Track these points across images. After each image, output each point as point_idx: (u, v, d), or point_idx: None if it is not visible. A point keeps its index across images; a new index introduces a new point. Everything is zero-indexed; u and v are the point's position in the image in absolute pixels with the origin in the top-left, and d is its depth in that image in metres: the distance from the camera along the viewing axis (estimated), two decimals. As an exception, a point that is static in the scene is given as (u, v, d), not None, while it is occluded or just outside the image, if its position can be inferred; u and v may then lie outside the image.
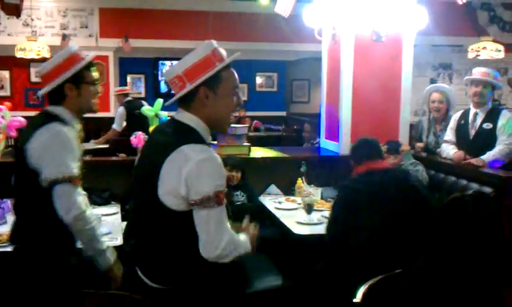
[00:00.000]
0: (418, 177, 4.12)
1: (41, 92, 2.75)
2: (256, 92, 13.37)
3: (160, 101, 6.14)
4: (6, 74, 10.91)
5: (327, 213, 3.99)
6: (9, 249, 2.83)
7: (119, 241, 3.29)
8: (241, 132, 5.05)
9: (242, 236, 2.32)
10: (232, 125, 4.67)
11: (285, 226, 3.78)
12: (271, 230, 4.25)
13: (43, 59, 8.90)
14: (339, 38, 5.10)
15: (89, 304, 2.11)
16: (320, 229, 3.70)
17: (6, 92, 10.86)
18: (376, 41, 4.94)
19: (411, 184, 3.31)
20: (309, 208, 3.88)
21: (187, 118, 2.21)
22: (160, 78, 12.46)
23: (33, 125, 2.60)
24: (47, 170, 2.48)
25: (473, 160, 4.31)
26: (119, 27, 10.02)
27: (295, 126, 11.28)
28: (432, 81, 9.89)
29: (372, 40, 4.94)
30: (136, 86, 12.73)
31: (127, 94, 8.40)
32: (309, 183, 4.74)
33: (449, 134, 4.77)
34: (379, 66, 5.02)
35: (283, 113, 13.26)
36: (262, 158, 5.13)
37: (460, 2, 4.64)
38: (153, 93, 12.25)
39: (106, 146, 7.70)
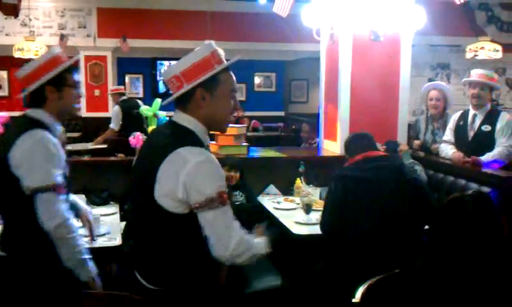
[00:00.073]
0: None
1: (22, 94, 2.71)
2: (255, 92, 13.38)
3: (158, 101, 6.14)
4: (4, 74, 10.92)
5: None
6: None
7: (118, 241, 3.28)
8: (240, 132, 5.05)
9: (258, 239, 2.31)
10: (230, 125, 4.67)
11: (284, 226, 3.78)
12: (270, 230, 4.25)
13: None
14: (337, 37, 5.10)
15: (89, 304, 2.11)
16: (319, 230, 3.70)
17: (4, 92, 10.86)
18: (374, 41, 4.95)
19: (408, 171, 3.36)
20: (308, 208, 3.88)
21: (184, 119, 2.20)
22: (158, 78, 12.47)
23: (15, 131, 2.54)
24: (30, 178, 2.45)
25: (473, 158, 4.32)
26: (117, 27, 10.02)
27: (293, 126, 11.28)
28: (431, 81, 9.90)
29: (370, 40, 4.94)
30: (134, 86, 12.74)
31: (122, 94, 8.40)
32: (308, 183, 4.74)
33: (448, 134, 4.78)
34: (377, 66, 5.02)
35: (282, 113, 13.27)
36: (260, 158, 5.14)
37: (458, 2, 4.63)
38: (151, 93, 12.25)
39: (104, 146, 7.70)
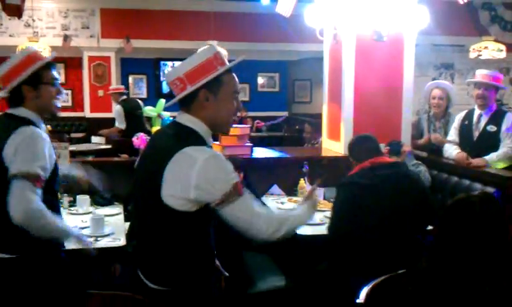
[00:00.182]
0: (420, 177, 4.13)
1: (1, 94, 2.70)
2: (258, 92, 13.39)
3: (162, 101, 6.16)
4: (7, 75, 10.92)
5: (329, 214, 3.99)
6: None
7: (122, 242, 3.28)
8: (243, 133, 5.05)
9: (293, 211, 2.42)
10: (233, 125, 4.67)
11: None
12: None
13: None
14: (340, 37, 5.09)
15: (92, 304, 2.11)
16: (323, 230, 3.70)
17: (8, 93, 10.87)
18: (378, 41, 4.93)
19: (416, 178, 3.42)
20: (311, 209, 3.87)
21: (188, 120, 2.21)
22: (162, 78, 12.47)
23: (5, 130, 2.53)
24: (12, 167, 2.44)
25: (475, 161, 4.31)
26: (120, 28, 10.04)
27: (296, 127, 11.28)
28: (434, 80, 9.88)
29: (374, 40, 4.93)
30: (138, 87, 12.76)
31: (122, 93, 8.42)
32: (311, 184, 4.71)
33: (452, 134, 4.77)
34: (380, 66, 5.01)
35: (285, 113, 13.26)
36: (264, 158, 5.13)
37: (461, 2, 4.63)
38: (155, 93, 12.26)
39: (108, 146, 7.72)
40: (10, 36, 9.65)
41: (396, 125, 5.07)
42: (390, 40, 4.97)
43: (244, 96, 12.61)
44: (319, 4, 5.35)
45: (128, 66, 11.95)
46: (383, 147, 3.86)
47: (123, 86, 9.16)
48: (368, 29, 4.93)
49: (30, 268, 2.54)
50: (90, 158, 5.61)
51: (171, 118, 4.74)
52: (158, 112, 6.15)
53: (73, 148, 6.24)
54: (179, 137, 2.15)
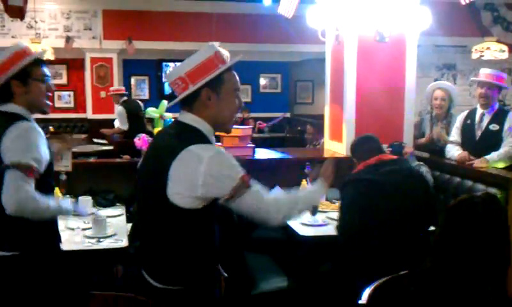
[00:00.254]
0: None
1: None
2: (260, 93, 13.38)
3: (164, 103, 6.15)
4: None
5: (332, 215, 3.99)
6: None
7: (124, 243, 3.28)
8: (245, 134, 5.05)
9: (303, 191, 2.52)
10: (235, 126, 4.68)
11: (290, 227, 3.77)
12: (276, 231, 4.25)
13: (47, 62, 8.93)
14: (342, 38, 5.09)
15: (93, 305, 2.11)
16: (325, 231, 3.70)
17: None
18: (380, 42, 4.93)
19: (419, 174, 3.48)
20: (314, 210, 3.87)
21: (191, 119, 2.21)
22: (164, 80, 12.48)
23: (0, 126, 2.54)
24: (6, 158, 2.45)
25: (477, 162, 4.30)
26: (122, 29, 10.06)
27: (298, 128, 11.27)
28: (436, 81, 9.87)
29: (376, 41, 4.93)
30: (140, 88, 12.77)
31: (122, 95, 8.43)
32: (313, 185, 4.72)
33: (454, 134, 4.76)
34: (382, 67, 5.01)
35: (287, 114, 13.26)
36: (266, 159, 5.13)
37: (463, 3, 4.62)
38: (157, 94, 12.27)
39: (110, 147, 7.72)
40: (12, 37, 9.66)
41: (398, 126, 5.07)
42: (392, 41, 4.97)
43: (246, 98, 12.61)
44: (321, 5, 5.35)
45: (131, 67, 11.96)
46: (385, 148, 3.86)
47: (123, 87, 9.19)
48: (370, 30, 4.93)
49: (30, 265, 2.54)
50: (92, 159, 5.61)
51: (173, 119, 4.75)
52: (160, 114, 6.14)
53: (75, 149, 6.24)
54: (183, 136, 2.15)
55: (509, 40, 9.51)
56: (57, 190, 3.59)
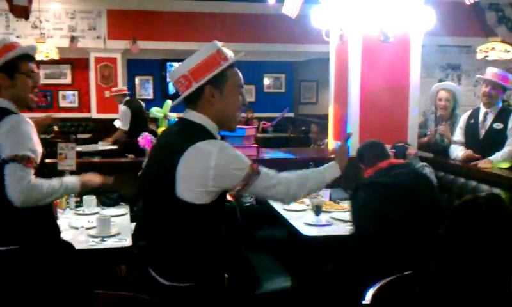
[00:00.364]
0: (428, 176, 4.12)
1: None
2: (264, 93, 13.38)
3: (168, 102, 6.17)
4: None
5: (335, 215, 3.99)
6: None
7: (128, 242, 3.29)
8: (249, 134, 5.05)
9: (315, 169, 2.60)
10: (240, 126, 4.68)
11: (294, 227, 3.78)
12: (280, 231, 4.25)
13: (52, 61, 8.97)
14: (347, 38, 5.09)
15: (97, 304, 2.12)
16: (329, 231, 3.70)
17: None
18: (384, 42, 4.93)
19: (426, 177, 3.53)
20: (317, 210, 3.87)
21: (195, 116, 2.22)
22: (168, 79, 12.49)
23: None
24: (2, 154, 2.46)
25: (481, 163, 4.29)
26: (127, 29, 10.07)
27: (303, 128, 11.27)
28: (441, 82, 9.85)
29: (380, 41, 4.92)
30: (144, 88, 12.78)
31: (125, 95, 8.44)
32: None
33: (458, 134, 4.74)
34: (386, 67, 5.01)
35: (291, 114, 13.25)
36: (270, 159, 5.13)
37: (468, 3, 4.61)
38: (161, 94, 12.28)
39: (115, 147, 7.74)
40: (17, 37, 9.67)
41: (402, 126, 5.06)
42: (396, 41, 4.96)
43: (250, 97, 12.60)
44: (325, 5, 5.35)
45: (135, 67, 11.98)
46: (389, 149, 3.85)
47: (126, 88, 9.20)
48: (375, 30, 4.92)
49: (31, 258, 2.55)
50: (97, 159, 5.63)
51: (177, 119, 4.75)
52: (164, 113, 6.16)
53: (79, 148, 6.26)
54: (189, 133, 2.17)
55: (513, 40, 9.49)
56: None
